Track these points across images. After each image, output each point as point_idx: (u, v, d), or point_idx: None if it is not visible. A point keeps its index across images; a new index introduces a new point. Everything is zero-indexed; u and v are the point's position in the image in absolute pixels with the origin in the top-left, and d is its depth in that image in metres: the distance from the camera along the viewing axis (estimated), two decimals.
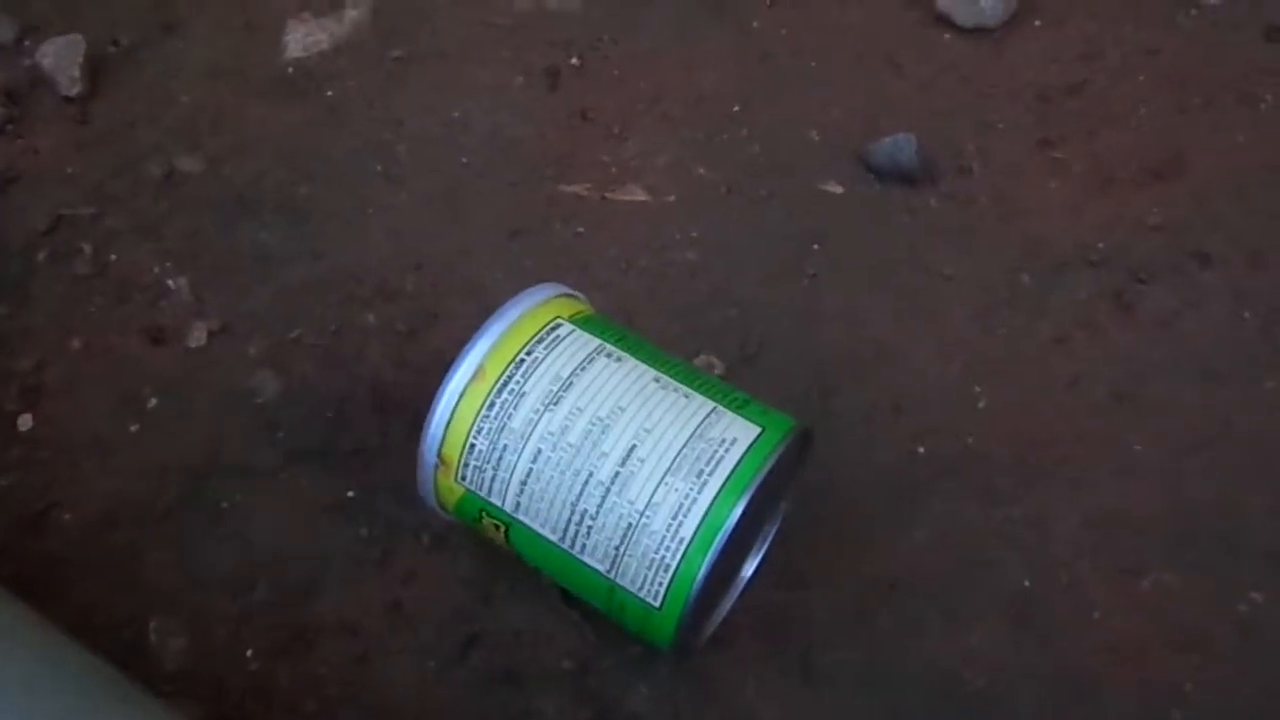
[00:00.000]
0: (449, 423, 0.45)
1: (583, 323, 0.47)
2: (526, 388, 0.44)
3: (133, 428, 0.56)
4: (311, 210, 0.65)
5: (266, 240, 0.64)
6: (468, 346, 0.45)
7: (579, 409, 0.43)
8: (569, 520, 0.43)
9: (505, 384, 0.44)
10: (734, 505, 0.41)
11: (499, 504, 0.45)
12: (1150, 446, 0.57)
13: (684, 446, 0.43)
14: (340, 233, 0.64)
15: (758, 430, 0.44)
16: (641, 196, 0.67)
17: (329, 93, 0.71)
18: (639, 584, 0.43)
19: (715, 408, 0.44)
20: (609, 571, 0.43)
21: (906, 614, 0.51)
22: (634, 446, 0.43)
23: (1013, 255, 0.64)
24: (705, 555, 0.41)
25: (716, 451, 0.43)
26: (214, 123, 0.69)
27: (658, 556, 0.42)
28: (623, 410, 0.43)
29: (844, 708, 0.48)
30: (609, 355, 0.45)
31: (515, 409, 0.44)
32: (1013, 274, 0.63)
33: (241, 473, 0.54)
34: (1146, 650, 0.50)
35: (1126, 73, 0.73)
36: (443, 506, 0.48)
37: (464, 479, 0.45)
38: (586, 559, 0.43)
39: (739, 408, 0.45)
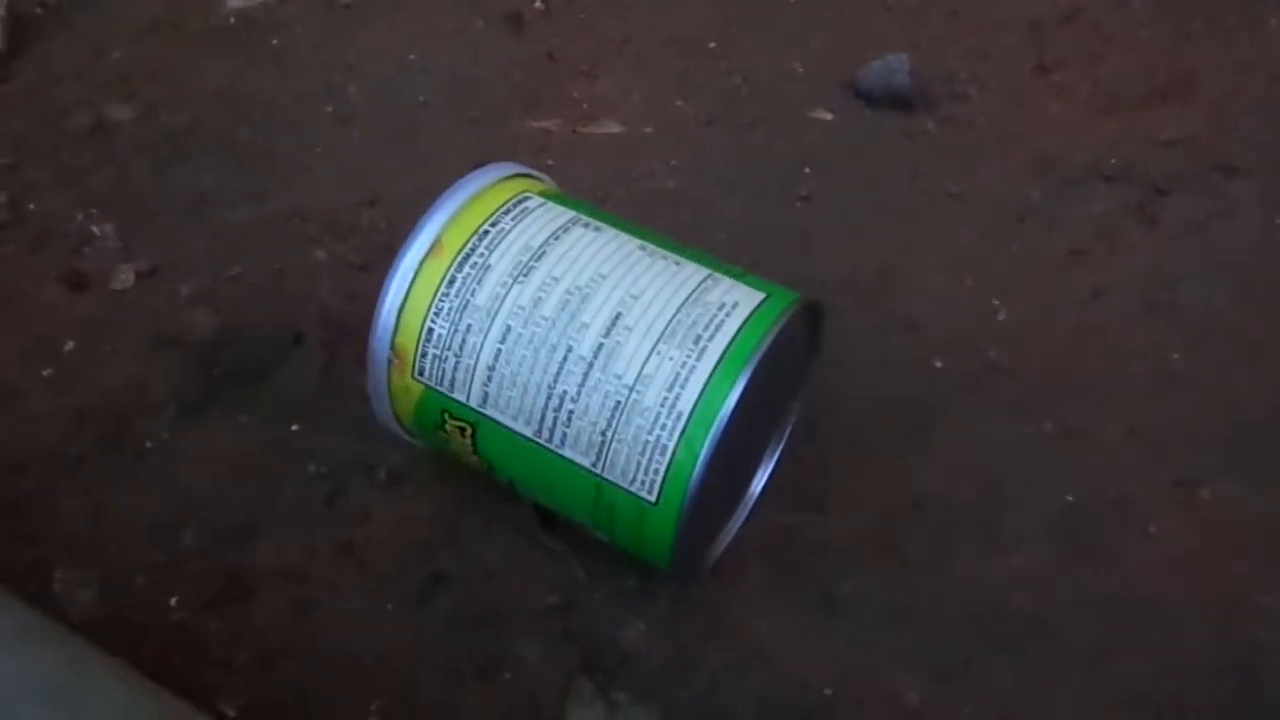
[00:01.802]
0: (403, 305, 0.39)
1: (554, 197, 0.41)
2: (492, 260, 0.38)
3: (45, 372, 0.49)
4: (254, 153, 0.60)
5: (204, 183, 0.58)
6: (422, 219, 0.39)
7: (554, 278, 0.38)
8: (545, 407, 0.37)
9: (467, 257, 0.38)
10: (738, 374, 0.35)
11: (463, 399, 0.38)
12: (1190, 356, 0.51)
13: (678, 312, 0.37)
14: (286, 173, 0.59)
15: (761, 296, 0.38)
16: (615, 129, 0.62)
17: (274, 41, 0.66)
18: (631, 475, 0.36)
19: (711, 274, 0.39)
20: (595, 465, 0.37)
21: (936, 536, 0.45)
22: (619, 315, 0.37)
23: (1020, 174, 0.59)
24: (707, 432, 0.35)
25: (716, 316, 0.37)
26: (149, 74, 0.64)
27: (652, 438, 0.36)
28: (604, 278, 0.38)
29: (871, 642, 0.42)
30: (585, 225, 0.40)
31: (480, 283, 0.38)
32: (1022, 191, 0.58)
33: (169, 412, 0.48)
34: (1216, 564, 0.44)
35: (1121, 1, 0.70)
36: (399, 418, 0.41)
37: (422, 373, 0.39)
38: (568, 453, 0.37)
39: (738, 276, 0.39)
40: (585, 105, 0.63)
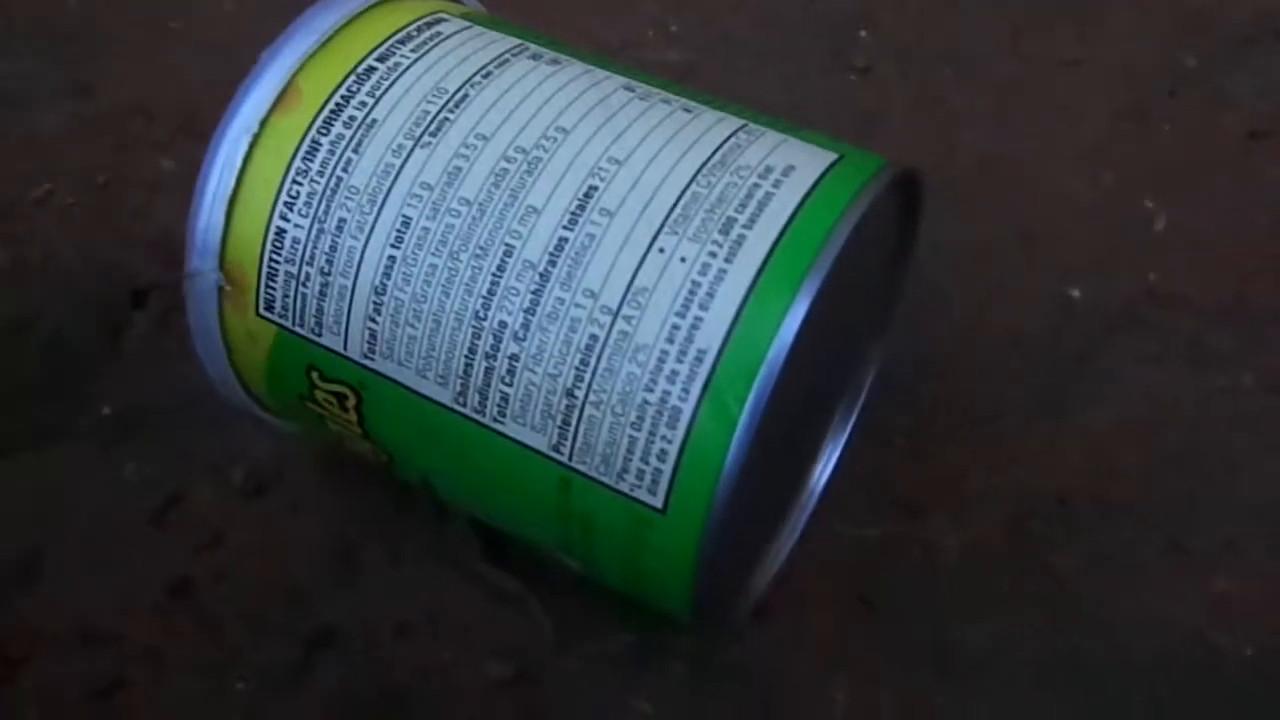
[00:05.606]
0: (234, 195, 0.26)
1: (484, 21, 0.28)
2: (378, 112, 0.25)
3: None
4: (81, 35, 0.47)
5: (4, 77, 0.45)
6: (265, 53, 0.26)
7: (481, 137, 0.25)
8: (472, 353, 0.24)
9: (339, 110, 0.25)
10: (799, 283, 0.23)
11: (337, 347, 0.25)
12: None
13: (692, 181, 0.24)
14: (126, 59, 0.46)
15: (832, 156, 0.25)
16: None
17: None
18: (618, 464, 0.23)
19: (745, 125, 0.26)
20: (557, 448, 0.24)
21: (1097, 548, 0.32)
22: (592, 190, 0.24)
23: (1163, 33, 0.47)
24: (749, 384, 0.22)
25: (758, 186, 0.24)
26: None
27: (653, 398, 0.23)
28: (566, 133, 0.25)
29: (1016, 716, 0.29)
30: (536, 57, 0.27)
31: (359, 151, 0.25)
32: (1168, 56, 0.46)
33: None
34: None
35: None
36: (245, 384, 0.28)
37: (271, 306, 0.26)
38: (510, 428, 0.24)
39: (788, 130, 0.26)
40: None
